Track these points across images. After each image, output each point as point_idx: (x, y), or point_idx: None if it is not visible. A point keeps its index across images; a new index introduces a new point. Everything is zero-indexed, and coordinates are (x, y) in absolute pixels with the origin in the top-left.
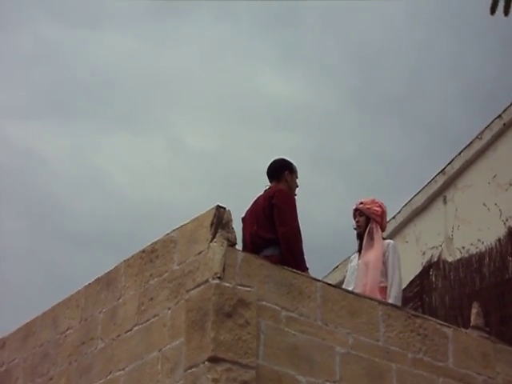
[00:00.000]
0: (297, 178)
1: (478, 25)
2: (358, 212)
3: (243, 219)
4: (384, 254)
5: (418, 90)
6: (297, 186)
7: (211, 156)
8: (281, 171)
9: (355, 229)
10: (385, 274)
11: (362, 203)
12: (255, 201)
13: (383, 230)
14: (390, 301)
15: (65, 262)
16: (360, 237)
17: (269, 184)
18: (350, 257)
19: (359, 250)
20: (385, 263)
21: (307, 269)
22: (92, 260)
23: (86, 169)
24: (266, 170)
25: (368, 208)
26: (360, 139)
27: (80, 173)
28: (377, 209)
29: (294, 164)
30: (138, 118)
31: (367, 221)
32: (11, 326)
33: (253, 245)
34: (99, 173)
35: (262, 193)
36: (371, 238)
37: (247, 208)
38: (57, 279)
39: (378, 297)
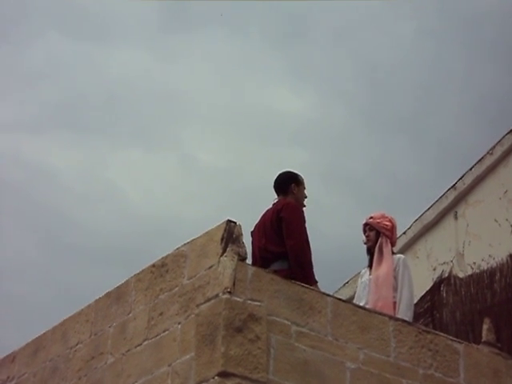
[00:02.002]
0: (304, 188)
1: (488, 40)
2: (367, 227)
3: (252, 233)
4: (395, 269)
5: (428, 106)
6: (305, 197)
7: (223, 172)
8: (287, 184)
9: (365, 243)
10: (396, 289)
11: (371, 218)
12: (263, 214)
13: (393, 244)
14: (399, 316)
15: (75, 279)
16: (370, 251)
17: (276, 198)
18: (360, 272)
19: (369, 265)
20: (396, 278)
21: (316, 282)
22: (103, 277)
23: (98, 185)
24: (271, 183)
25: (378, 222)
26: (370, 155)
27: (91, 189)
28: (387, 223)
29: (301, 175)
30: (149, 134)
31: (377, 235)
32: (21, 341)
33: (261, 259)
34: (111, 189)
35: (270, 206)
36: (381, 253)
37: (256, 222)
38: (67, 296)
39: (393, 313)
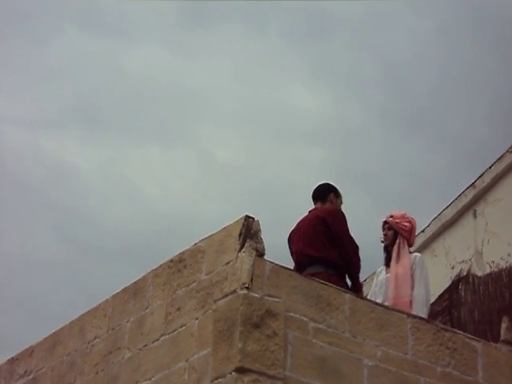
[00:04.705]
0: (341, 203)
1: (504, 38)
2: (386, 225)
3: (289, 240)
4: (411, 268)
5: (445, 103)
6: None
7: (240, 170)
8: (326, 193)
9: (382, 241)
10: (413, 287)
11: (391, 216)
12: (300, 221)
13: (410, 245)
14: (416, 311)
15: (94, 277)
16: (386, 249)
17: (313, 207)
18: (376, 271)
19: (386, 264)
20: (412, 276)
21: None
22: (122, 275)
23: (116, 182)
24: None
25: (397, 222)
26: (387, 153)
27: (110, 186)
28: (406, 224)
29: (339, 190)
30: (168, 132)
31: (395, 235)
32: (40, 336)
33: (297, 263)
34: (129, 186)
35: (306, 214)
36: (398, 253)
37: (291, 229)
38: (86, 294)
39: (411, 311)
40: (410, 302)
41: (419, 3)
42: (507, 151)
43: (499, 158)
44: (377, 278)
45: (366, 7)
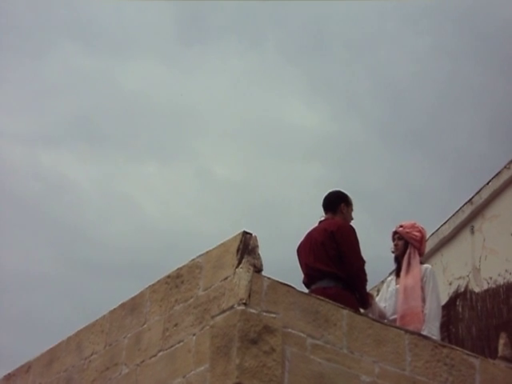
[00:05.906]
0: (352, 210)
1: (502, 55)
2: (397, 235)
3: (298, 251)
4: (422, 279)
5: (443, 120)
6: (352, 219)
7: (238, 186)
8: (337, 203)
9: (393, 252)
10: (423, 299)
11: (401, 226)
12: (309, 233)
13: (421, 255)
14: (428, 325)
15: (91, 294)
16: (397, 260)
17: (324, 216)
18: (385, 279)
19: (396, 274)
20: (423, 288)
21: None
22: (119, 291)
23: (114, 198)
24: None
25: (407, 232)
26: (386, 170)
27: (107, 202)
28: (416, 234)
29: (350, 196)
30: (166, 147)
31: (406, 245)
32: (36, 351)
33: (307, 276)
34: (127, 202)
35: (316, 225)
36: (409, 263)
37: (300, 241)
38: (83, 310)
39: (422, 323)
40: (422, 312)
41: (419, 20)
42: (504, 167)
43: (497, 174)
44: (387, 288)
45: (365, 24)
